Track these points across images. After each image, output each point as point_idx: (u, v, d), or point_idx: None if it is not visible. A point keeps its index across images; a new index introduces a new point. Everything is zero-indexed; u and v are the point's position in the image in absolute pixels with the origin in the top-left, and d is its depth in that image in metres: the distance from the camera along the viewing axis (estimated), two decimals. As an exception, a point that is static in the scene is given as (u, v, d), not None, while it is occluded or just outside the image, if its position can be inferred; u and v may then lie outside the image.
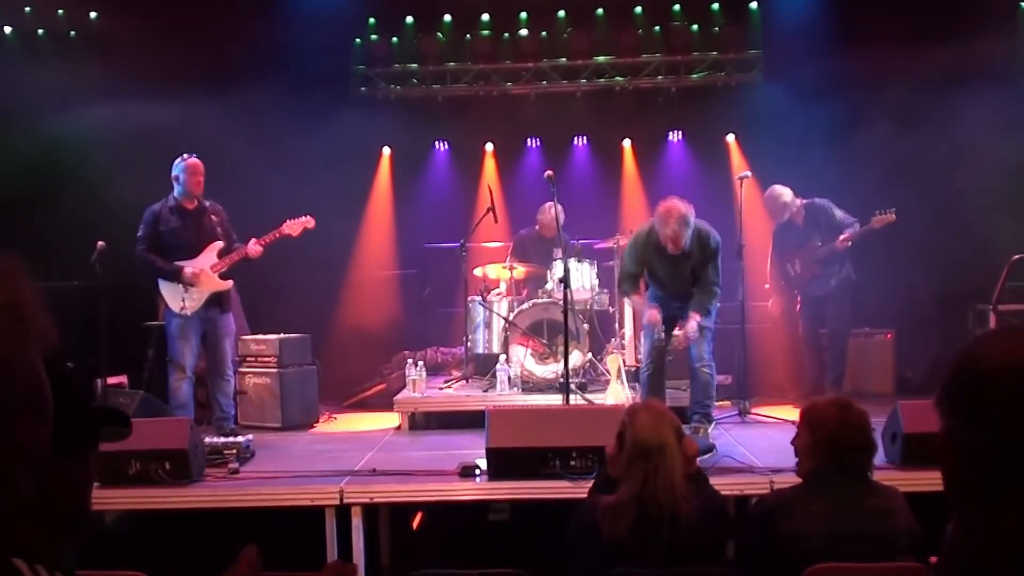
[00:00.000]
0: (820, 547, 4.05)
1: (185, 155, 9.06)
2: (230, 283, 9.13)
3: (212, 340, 9.11)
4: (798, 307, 10.77)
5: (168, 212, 9.00)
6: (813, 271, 10.41)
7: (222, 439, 7.93)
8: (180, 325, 8.97)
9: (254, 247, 9.09)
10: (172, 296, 8.95)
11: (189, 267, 8.93)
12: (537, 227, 11.52)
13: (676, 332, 8.89)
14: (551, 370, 9.95)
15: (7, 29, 12.31)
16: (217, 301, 9.07)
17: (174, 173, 8.99)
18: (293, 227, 9.25)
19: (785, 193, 10.46)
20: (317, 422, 10.17)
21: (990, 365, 1.61)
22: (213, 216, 9.15)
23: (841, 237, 10.18)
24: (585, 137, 13.91)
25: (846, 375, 10.78)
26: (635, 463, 4.34)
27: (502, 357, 10.09)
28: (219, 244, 9.11)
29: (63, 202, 10.79)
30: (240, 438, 7.98)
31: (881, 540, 4.12)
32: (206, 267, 9.00)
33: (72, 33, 12.46)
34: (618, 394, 9.11)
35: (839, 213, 10.30)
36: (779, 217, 10.59)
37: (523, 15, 13.53)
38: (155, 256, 8.93)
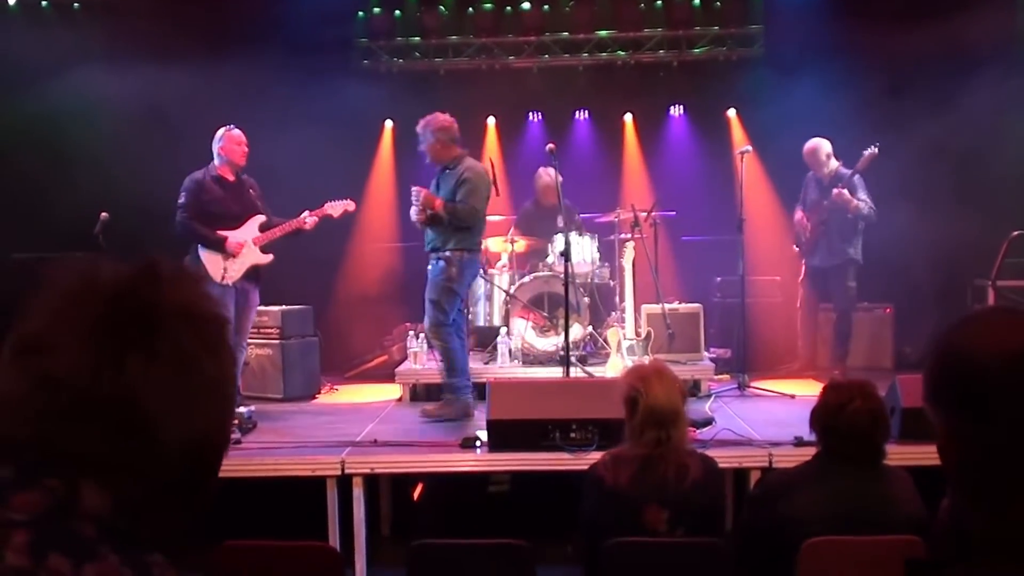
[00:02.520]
0: (820, 533, 4.03)
1: (228, 126, 9.08)
2: (270, 257, 9.14)
3: (240, 311, 9.10)
4: (801, 278, 10.77)
5: (211, 182, 8.97)
6: (818, 231, 10.31)
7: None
8: (218, 295, 8.93)
9: (311, 219, 9.12)
10: (213, 265, 8.88)
11: (233, 237, 8.96)
12: (536, 197, 11.54)
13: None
14: (552, 343, 10.00)
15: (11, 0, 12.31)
16: (254, 274, 9.08)
17: (218, 144, 9.01)
18: (335, 208, 9.24)
19: (825, 146, 10.40)
20: (319, 393, 10.22)
21: (980, 354, 1.61)
22: (251, 190, 9.19)
23: (834, 190, 10.09)
24: (587, 111, 13.91)
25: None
26: (648, 430, 4.44)
27: (503, 330, 10.13)
28: (261, 217, 9.11)
29: (65, 172, 10.81)
30: (242, 408, 8.03)
31: (884, 528, 4.08)
32: (248, 239, 9.01)
33: (76, 5, 12.46)
34: (618, 367, 9.14)
35: (861, 191, 10.19)
36: (816, 169, 10.46)
37: (525, -12, 13.53)
38: (198, 224, 8.90)
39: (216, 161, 9.04)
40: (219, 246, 8.90)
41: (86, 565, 1.22)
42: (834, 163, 10.30)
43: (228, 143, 9.01)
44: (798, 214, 10.62)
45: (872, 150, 9.88)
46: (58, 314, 1.34)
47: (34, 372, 1.30)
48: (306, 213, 9.13)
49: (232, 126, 9.07)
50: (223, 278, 8.90)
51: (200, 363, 1.36)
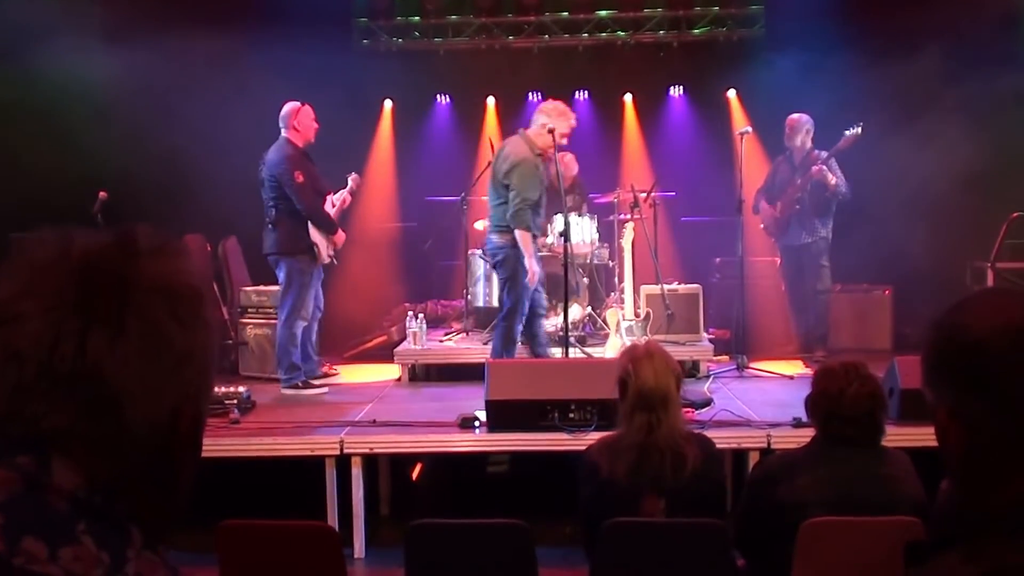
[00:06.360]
0: (820, 514, 4.03)
1: (298, 102, 9.00)
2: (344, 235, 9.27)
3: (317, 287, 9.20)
4: (779, 263, 10.74)
5: (305, 157, 8.94)
6: (791, 209, 10.26)
7: (223, 389, 7.93)
8: (316, 274, 9.03)
9: (356, 179, 9.33)
10: (324, 245, 8.90)
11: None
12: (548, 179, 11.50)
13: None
14: (551, 324, 9.98)
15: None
16: None
17: (291, 120, 8.90)
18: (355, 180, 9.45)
19: (807, 120, 10.32)
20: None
21: (982, 332, 1.61)
22: None
23: (814, 167, 9.98)
24: (586, 91, 13.90)
25: (845, 330, 10.83)
26: (637, 413, 4.41)
27: (502, 311, 10.13)
28: (331, 195, 9.19)
29: (63, 150, 10.75)
30: (241, 388, 8.02)
31: (884, 508, 4.08)
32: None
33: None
34: (617, 348, 9.13)
35: (836, 171, 10.14)
36: (791, 141, 10.40)
37: (525, -32, 13.50)
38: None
39: (288, 135, 8.92)
40: (333, 229, 8.99)
41: (62, 548, 1.20)
42: (809, 143, 10.25)
43: (305, 119, 8.93)
44: (763, 204, 10.56)
45: (856, 130, 9.79)
46: (26, 284, 1.30)
47: (2, 344, 1.28)
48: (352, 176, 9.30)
49: (302, 102, 9.02)
50: (331, 257, 9.04)
51: (171, 338, 1.32)
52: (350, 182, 9.30)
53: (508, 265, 8.51)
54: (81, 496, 1.26)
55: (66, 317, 1.27)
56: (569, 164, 11.07)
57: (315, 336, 9.41)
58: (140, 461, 1.31)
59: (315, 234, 8.83)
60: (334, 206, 9.11)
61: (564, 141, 8.70)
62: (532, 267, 8.35)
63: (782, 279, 10.71)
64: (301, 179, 8.73)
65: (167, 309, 1.32)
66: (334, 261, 9.11)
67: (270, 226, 8.88)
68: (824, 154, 9.99)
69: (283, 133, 8.93)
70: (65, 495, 1.25)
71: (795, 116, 10.29)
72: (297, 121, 8.90)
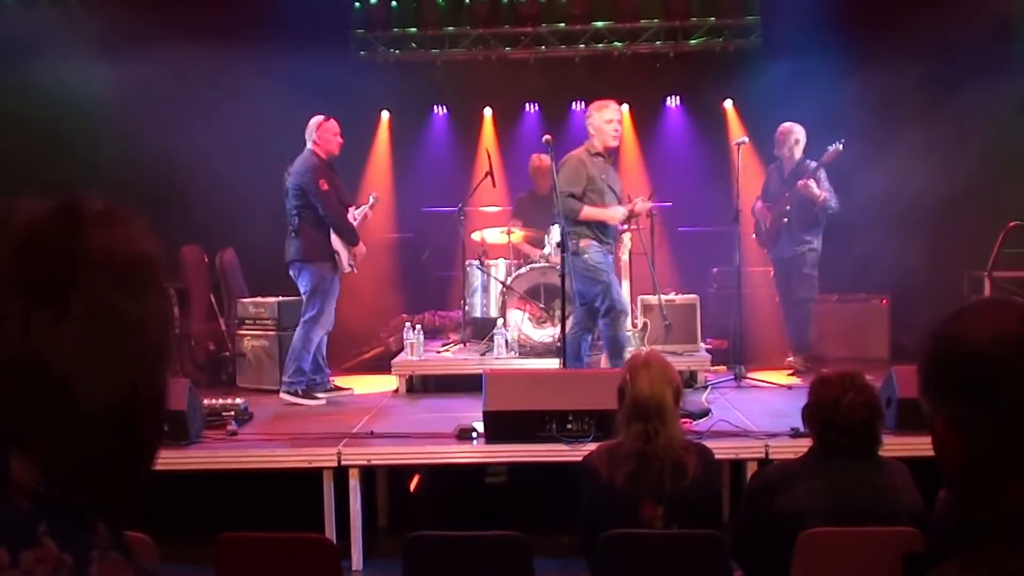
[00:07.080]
0: (818, 525, 4.03)
1: (322, 116, 9.08)
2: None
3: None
4: (772, 274, 10.75)
5: (329, 168, 9.02)
6: (779, 222, 10.29)
7: (221, 400, 7.94)
8: (335, 283, 9.10)
9: (377, 196, 9.50)
10: (344, 255, 9.00)
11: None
12: (532, 187, 11.46)
13: None
14: (548, 334, 9.98)
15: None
16: None
17: (315, 134, 8.99)
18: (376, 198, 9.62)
19: (797, 130, 10.37)
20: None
21: (980, 342, 1.62)
22: None
23: (800, 182, 10.02)
24: (583, 102, 13.84)
25: (842, 340, 10.83)
26: (633, 422, 4.44)
27: (500, 321, 10.12)
28: (353, 208, 9.25)
29: (56, 161, 10.74)
30: (239, 400, 8.01)
31: (882, 519, 4.08)
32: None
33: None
34: (614, 358, 9.13)
35: (825, 183, 10.15)
36: (780, 150, 10.45)
37: (522, -21, 13.51)
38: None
39: (312, 147, 9.01)
40: (355, 239, 9.06)
41: (23, 552, 1.16)
42: (799, 153, 10.27)
43: (325, 132, 9.01)
44: (758, 204, 10.59)
45: (837, 146, 9.84)
46: None
47: None
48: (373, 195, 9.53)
49: (326, 116, 9.10)
50: (351, 268, 9.11)
51: (120, 313, 1.25)
52: (372, 199, 9.38)
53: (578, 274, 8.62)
54: (41, 491, 1.22)
55: (8, 298, 1.21)
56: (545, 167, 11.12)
57: (325, 348, 9.41)
58: (98, 447, 1.26)
59: (337, 243, 8.94)
60: (355, 219, 9.15)
61: (617, 129, 9.09)
62: (615, 216, 8.80)
63: (776, 290, 10.72)
64: (326, 187, 8.86)
65: (117, 282, 1.25)
66: (354, 270, 9.15)
67: (293, 234, 8.98)
68: (813, 164, 10.01)
69: (308, 145, 9.04)
70: (26, 491, 1.21)
71: (785, 125, 10.32)
72: (318, 135, 9.00)
